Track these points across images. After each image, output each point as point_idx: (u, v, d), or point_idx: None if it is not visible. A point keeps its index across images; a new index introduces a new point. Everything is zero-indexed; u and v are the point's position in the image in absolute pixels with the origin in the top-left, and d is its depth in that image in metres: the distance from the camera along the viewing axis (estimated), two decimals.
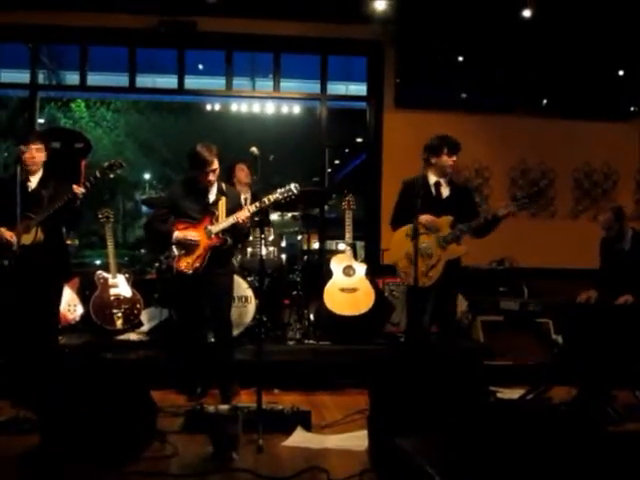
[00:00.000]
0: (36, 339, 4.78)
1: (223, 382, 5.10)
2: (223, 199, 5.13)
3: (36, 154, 4.86)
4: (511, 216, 5.04)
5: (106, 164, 4.91)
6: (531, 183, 7.83)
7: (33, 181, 4.89)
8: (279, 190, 4.97)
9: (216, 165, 5.03)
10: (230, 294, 5.38)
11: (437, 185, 5.11)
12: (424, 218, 4.90)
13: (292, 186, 4.97)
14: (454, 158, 5.05)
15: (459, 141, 5.11)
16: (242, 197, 5.80)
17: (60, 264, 5.05)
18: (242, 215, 4.98)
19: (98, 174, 4.87)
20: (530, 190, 4.89)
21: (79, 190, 4.73)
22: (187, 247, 5.05)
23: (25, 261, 4.60)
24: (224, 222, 5.02)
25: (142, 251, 14.44)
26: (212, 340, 5.34)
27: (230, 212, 5.07)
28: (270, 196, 4.95)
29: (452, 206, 5.07)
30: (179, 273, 5.07)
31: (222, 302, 5.21)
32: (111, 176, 4.94)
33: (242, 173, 6.65)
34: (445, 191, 5.15)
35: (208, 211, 5.09)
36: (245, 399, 4.90)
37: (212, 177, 5.06)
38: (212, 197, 5.16)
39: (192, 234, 5.04)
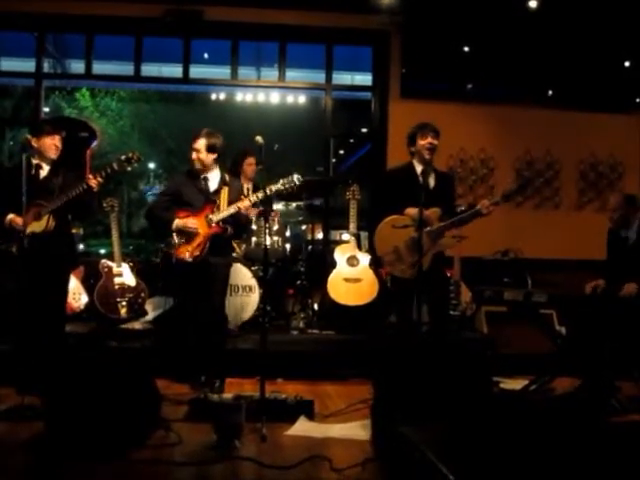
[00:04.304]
0: (43, 326, 4.80)
1: (212, 371, 5.07)
2: (225, 189, 5.12)
3: (59, 144, 4.90)
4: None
5: (123, 157, 4.83)
6: (536, 174, 7.84)
7: (45, 169, 4.91)
8: (281, 180, 4.93)
9: (195, 145, 5.08)
10: (224, 290, 5.29)
11: (424, 174, 5.05)
12: (413, 212, 4.82)
13: (294, 177, 4.93)
14: (428, 140, 5.00)
15: (431, 123, 5.08)
16: (244, 187, 5.77)
17: (68, 252, 5.07)
18: (244, 204, 4.97)
19: (116, 166, 4.80)
20: (514, 185, 4.86)
21: (94, 182, 4.72)
22: (187, 235, 5.03)
23: (35, 249, 4.61)
24: (225, 211, 5.01)
25: (143, 241, 14.46)
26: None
27: (232, 202, 5.05)
28: (272, 186, 4.91)
29: (438, 195, 5.03)
30: (179, 261, 5.04)
31: (215, 297, 5.12)
32: (128, 169, 4.85)
33: (250, 168, 6.44)
34: (432, 180, 5.11)
35: (209, 200, 5.07)
36: (249, 388, 4.90)
37: (193, 156, 5.09)
38: (214, 186, 5.15)
39: (192, 222, 5.01)
